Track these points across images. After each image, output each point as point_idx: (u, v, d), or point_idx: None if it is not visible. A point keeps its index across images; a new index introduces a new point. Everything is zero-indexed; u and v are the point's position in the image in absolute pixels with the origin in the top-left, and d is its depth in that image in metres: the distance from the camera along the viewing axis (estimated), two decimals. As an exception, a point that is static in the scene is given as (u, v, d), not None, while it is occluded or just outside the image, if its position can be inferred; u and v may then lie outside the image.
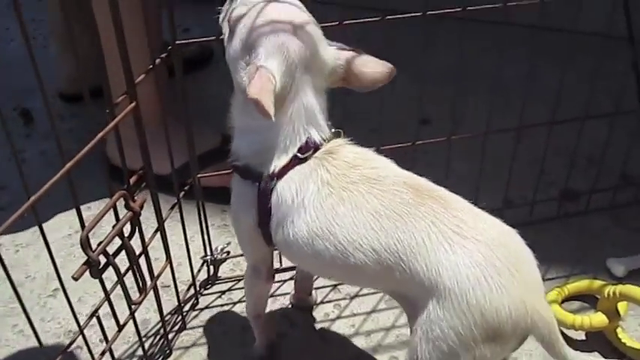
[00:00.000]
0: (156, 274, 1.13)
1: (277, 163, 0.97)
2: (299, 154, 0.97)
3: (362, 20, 1.13)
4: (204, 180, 1.49)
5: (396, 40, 1.21)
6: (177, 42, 1.11)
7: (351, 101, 1.09)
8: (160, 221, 1.13)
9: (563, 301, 1.33)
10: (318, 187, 0.95)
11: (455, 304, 0.87)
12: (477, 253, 0.88)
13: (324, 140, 0.99)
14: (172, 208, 1.22)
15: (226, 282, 1.39)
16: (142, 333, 1.27)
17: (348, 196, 0.94)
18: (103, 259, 0.95)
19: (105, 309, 1.03)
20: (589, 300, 1.34)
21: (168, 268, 1.20)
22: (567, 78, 1.34)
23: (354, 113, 1.20)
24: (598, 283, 1.31)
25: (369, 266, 0.92)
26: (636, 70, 1.87)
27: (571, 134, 1.41)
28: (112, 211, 0.97)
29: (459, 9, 1.15)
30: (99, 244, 0.93)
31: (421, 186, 0.95)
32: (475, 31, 2.00)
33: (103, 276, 0.95)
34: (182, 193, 1.25)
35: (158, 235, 1.14)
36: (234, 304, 1.35)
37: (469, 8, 1.15)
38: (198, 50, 1.97)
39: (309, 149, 0.97)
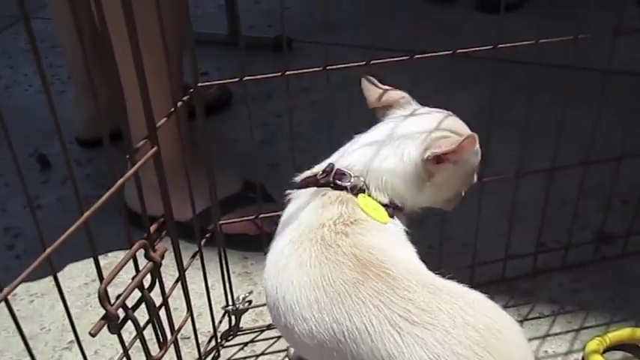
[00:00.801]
0: (177, 326, 1.07)
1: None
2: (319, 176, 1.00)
3: (390, 59, 1.10)
4: (225, 227, 1.45)
5: (422, 81, 1.18)
6: (199, 84, 1.08)
7: None
8: (181, 271, 1.08)
9: (604, 351, 1.25)
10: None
11: None
12: (431, 341, 0.76)
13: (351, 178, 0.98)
14: (194, 256, 1.17)
15: (248, 333, 1.33)
16: (162, 388, 1.22)
17: (301, 250, 0.91)
18: (122, 313, 0.90)
19: (123, 365, 0.97)
20: (632, 350, 1.26)
21: (188, 320, 1.14)
22: (600, 119, 1.29)
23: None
24: (641, 331, 1.24)
25: (307, 338, 0.85)
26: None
27: (603, 176, 1.36)
28: (131, 261, 0.92)
29: (489, 47, 1.11)
30: (117, 297, 0.88)
31: (371, 261, 0.86)
32: (503, 72, 1.97)
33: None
34: (203, 241, 1.20)
35: (178, 284, 1.09)
36: (257, 356, 1.28)
37: (500, 46, 1.11)
38: (216, 94, 1.95)
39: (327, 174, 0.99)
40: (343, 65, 1.09)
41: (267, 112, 1.94)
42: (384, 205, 0.99)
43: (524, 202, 1.37)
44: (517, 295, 1.37)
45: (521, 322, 1.33)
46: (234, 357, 1.29)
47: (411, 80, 1.08)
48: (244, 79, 1.08)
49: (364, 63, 1.09)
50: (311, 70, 1.10)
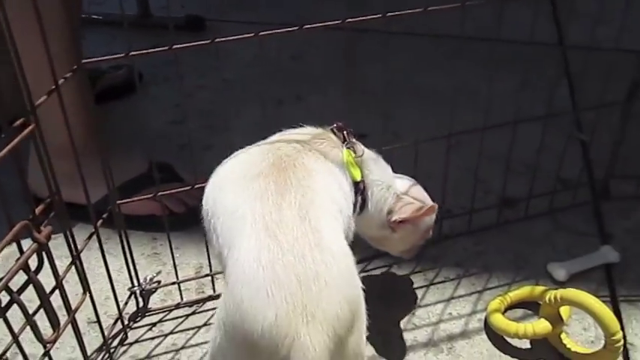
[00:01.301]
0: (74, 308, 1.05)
1: None
2: None
3: (278, 30, 1.09)
4: (132, 208, 1.43)
5: (336, 57, 1.19)
6: (85, 61, 1.05)
7: (285, 115, 1.05)
8: (75, 252, 1.06)
9: (505, 310, 1.29)
10: None
11: (226, 292, 0.83)
12: (266, 247, 0.83)
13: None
14: (90, 237, 1.15)
15: (157, 313, 1.32)
16: (67, 374, 1.20)
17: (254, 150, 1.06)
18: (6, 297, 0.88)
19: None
20: (532, 307, 1.31)
21: (95, 302, 1.12)
22: (502, 86, 1.33)
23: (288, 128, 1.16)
24: (539, 289, 1.28)
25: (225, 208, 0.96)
26: (568, 74, 1.88)
27: (507, 141, 1.39)
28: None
29: (379, 15, 1.12)
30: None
31: (293, 172, 0.96)
32: (407, 45, 2.00)
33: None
34: (100, 221, 1.18)
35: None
36: (166, 335, 1.28)
37: (389, 14, 1.12)
38: (125, 76, 1.91)
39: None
40: (231, 38, 1.08)
41: (178, 93, 1.92)
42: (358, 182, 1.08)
43: (429, 171, 1.40)
44: (423, 261, 1.40)
45: (427, 286, 1.36)
46: (142, 338, 1.28)
47: (325, 55, 1.09)
48: (130, 54, 1.06)
49: (252, 35, 1.08)
50: (199, 43, 1.08)
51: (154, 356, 1.24)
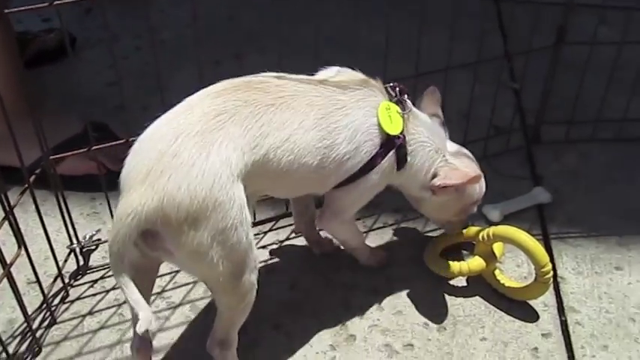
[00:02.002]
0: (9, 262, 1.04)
1: None
2: None
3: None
4: (68, 168, 1.41)
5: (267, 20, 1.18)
6: (7, 11, 1.03)
7: (222, 75, 1.05)
8: (9, 208, 1.05)
9: (443, 251, 1.33)
10: None
11: None
12: (163, 124, 0.95)
13: None
14: (22, 193, 1.14)
15: (98, 270, 1.32)
16: (9, 333, 1.19)
17: None
18: None
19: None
20: (468, 247, 1.35)
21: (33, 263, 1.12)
22: (435, 39, 1.35)
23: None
24: (474, 229, 1.32)
25: None
26: (500, 23, 1.92)
27: (440, 90, 1.42)
28: None
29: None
30: None
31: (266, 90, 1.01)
32: (342, 1, 2.01)
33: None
34: (33, 177, 1.17)
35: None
36: (108, 291, 1.28)
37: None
38: (57, 39, 1.87)
39: None
40: None
41: (114, 55, 1.88)
42: (395, 137, 1.10)
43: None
44: (362, 209, 1.42)
45: (366, 232, 1.39)
46: (84, 294, 1.28)
47: (262, 13, 1.08)
48: (55, 3, 1.04)
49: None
50: None
51: (96, 312, 1.24)
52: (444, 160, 1.17)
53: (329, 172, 1.07)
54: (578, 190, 1.51)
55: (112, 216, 1.29)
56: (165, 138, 0.92)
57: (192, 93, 1.03)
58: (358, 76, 1.13)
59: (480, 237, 1.25)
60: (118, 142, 1.23)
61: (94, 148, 1.21)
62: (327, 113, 1.04)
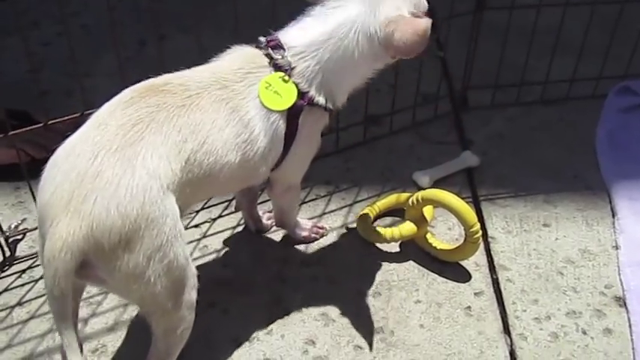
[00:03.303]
0: None
1: None
2: None
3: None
4: (-10, 158, 1.37)
5: None
6: None
7: (148, 56, 1.01)
8: None
9: (375, 219, 1.34)
10: None
11: None
12: (79, 142, 0.89)
13: None
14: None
15: (26, 260, 1.28)
16: None
17: None
18: None
19: None
20: (399, 213, 1.36)
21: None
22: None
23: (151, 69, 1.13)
24: (404, 195, 1.34)
25: None
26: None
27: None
28: None
29: None
30: None
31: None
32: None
33: None
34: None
35: None
36: (36, 281, 1.24)
37: None
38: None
39: None
40: None
41: (35, 42, 1.83)
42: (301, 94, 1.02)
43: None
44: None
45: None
46: (12, 285, 1.24)
47: None
48: None
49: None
50: None
51: (25, 302, 1.21)
52: (372, 26, 1.01)
53: (255, 164, 1.02)
54: (505, 152, 1.54)
55: (36, 204, 1.26)
56: (83, 157, 0.86)
57: (117, 75, 1.00)
58: (245, 51, 1.05)
59: (410, 202, 1.26)
60: (36, 126, 1.19)
61: (11, 133, 1.18)
62: (234, 107, 0.98)
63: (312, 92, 1.03)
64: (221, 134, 0.96)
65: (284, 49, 1.02)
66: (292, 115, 1.02)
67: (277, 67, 1.01)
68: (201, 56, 1.07)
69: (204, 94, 0.96)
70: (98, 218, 0.82)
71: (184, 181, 0.91)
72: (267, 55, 1.02)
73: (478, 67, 1.60)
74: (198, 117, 0.94)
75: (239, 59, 1.03)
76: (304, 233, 1.31)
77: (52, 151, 1.38)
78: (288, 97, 1.01)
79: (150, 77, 0.99)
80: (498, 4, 1.53)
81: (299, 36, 1.04)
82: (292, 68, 1.01)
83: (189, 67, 1.04)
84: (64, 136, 1.37)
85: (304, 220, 1.32)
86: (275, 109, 1.00)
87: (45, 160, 1.41)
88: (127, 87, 0.97)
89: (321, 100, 1.04)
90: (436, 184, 1.43)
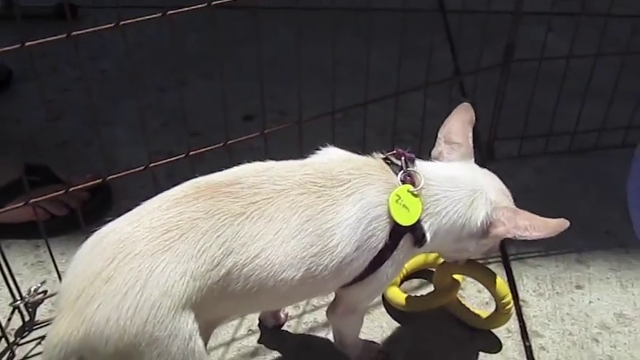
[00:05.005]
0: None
1: None
2: None
3: (142, 18, 1.03)
4: (9, 216, 1.35)
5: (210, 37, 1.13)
6: None
7: (168, 102, 0.99)
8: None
9: (402, 282, 1.30)
10: None
11: None
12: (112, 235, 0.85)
13: None
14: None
15: (46, 325, 1.25)
16: (-48, 401, 1.13)
17: None
18: None
19: None
20: (426, 274, 1.32)
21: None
22: (384, 56, 1.32)
23: (172, 117, 1.10)
24: (432, 255, 1.30)
25: None
26: (449, 38, 1.90)
27: (392, 111, 1.40)
28: None
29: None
30: None
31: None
32: (287, 21, 1.97)
33: None
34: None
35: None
36: (57, 348, 1.21)
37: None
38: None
39: None
40: (140, 19, 1.01)
41: (53, 88, 1.81)
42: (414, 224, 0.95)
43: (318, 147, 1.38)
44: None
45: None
46: (31, 353, 1.21)
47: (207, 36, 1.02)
48: (26, 44, 0.97)
49: (114, 25, 1.02)
50: (103, 27, 1.00)
51: (45, 371, 1.18)
52: (488, 204, 1.01)
53: (323, 280, 0.92)
54: (534, 206, 1.48)
55: (54, 264, 1.23)
56: (103, 255, 0.82)
57: (138, 124, 0.96)
58: (349, 157, 1.00)
59: (437, 274, 1.22)
60: (57, 193, 1.17)
61: (34, 200, 1.15)
62: (314, 214, 0.89)
63: (423, 221, 0.96)
64: (284, 247, 0.87)
65: (416, 167, 0.98)
66: (397, 233, 0.95)
67: (406, 180, 0.96)
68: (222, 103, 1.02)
69: (276, 200, 0.88)
70: (97, 325, 0.79)
71: (217, 297, 0.85)
72: (391, 164, 0.98)
73: (504, 114, 1.57)
74: (259, 226, 0.86)
75: (354, 162, 0.98)
76: (364, 358, 1.17)
77: (72, 209, 1.38)
78: (414, 213, 0.94)
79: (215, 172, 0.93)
80: (526, 55, 1.50)
81: (434, 168, 1.02)
82: (422, 188, 0.96)
83: (209, 113, 1.00)
84: (85, 193, 1.34)
85: (366, 343, 1.19)
86: (403, 224, 0.93)
87: (64, 218, 1.41)
88: (145, 137, 0.91)
89: (427, 234, 0.97)
90: (464, 241, 1.39)
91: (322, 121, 1.31)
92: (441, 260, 1.22)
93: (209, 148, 1.21)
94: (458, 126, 1.09)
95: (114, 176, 1.18)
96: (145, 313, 0.79)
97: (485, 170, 1.09)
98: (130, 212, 0.87)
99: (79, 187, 1.19)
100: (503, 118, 1.57)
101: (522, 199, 1.50)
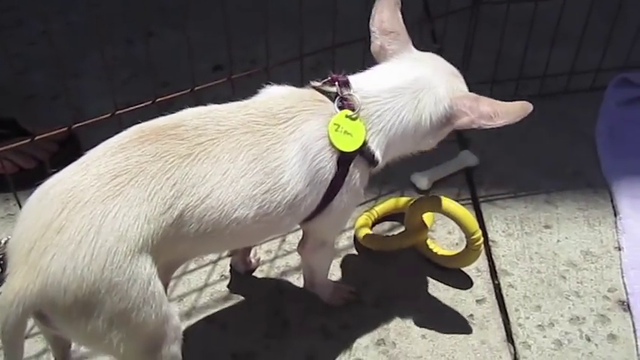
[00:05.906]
0: None
1: None
2: None
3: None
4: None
5: None
6: None
7: (136, 54, 0.97)
8: None
9: (373, 225, 1.31)
10: None
11: None
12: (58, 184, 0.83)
13: None
14: None
15: (18, 276, 1.25)
16: None
17: None
18: None
19: None
20: (398, 217, 1.33)
21: None
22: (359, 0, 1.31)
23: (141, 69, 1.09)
24: (403, 199, 1.31)
25: None
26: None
27: (360, 59, 1.39)
28: None
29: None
30: None
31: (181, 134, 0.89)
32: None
33: None
34: None
35: None
36: (29, 298, 1.21)
37: None
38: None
39: None
40: None
41: (19, 41, 1.78)
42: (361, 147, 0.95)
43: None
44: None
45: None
46: (3, 304, 1.21)
47: None
48: None
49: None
50: None
51: (18, 321, 1.18)
52: (437, 100, 0.99)
53: (278, 216, 0.92)
54: (504, 150, 1.51)
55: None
56: (52, 206, 0.80)
57: (106, 76, 0.94)
58: (287, 93, 0.99)
59: (408, 210, 1.23)
60: (23, 142, 1.16)
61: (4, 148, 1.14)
62: (260, 152, 0.89)
63: (370, 141, 0.96)
64: (233, 186, 0.87)
65: (351, 89, 0.96)
66: (344, 160, 0.95)
67: (343, 105, 0.95)
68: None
69: (221, 140, 0.88)
70: (53, 276, 0.77)
71: (173, 239, 0.84)
72: (326, 93, 0.96)
73: (475, 60, 1.57)
74: (206, 167, 0.86)
75: (291, 97, 0.96)
76: (334, 299, 1.20)
77: (40, 162, 1.37)
78: (358, 137, 0.94)
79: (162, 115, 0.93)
80: (495, -5, 1.49)
81: (370, 82, 0.98)
82: (360, 109, 0.95)
83: (178, 64, 0.98)
84: (53, 145, 1.33)
85: (336, 283, 1.21)
86: (347, 151, 0.93)
87: (33, 170, 1.40)
88: (114, 89, 0.88)
89: (377, 153, 0.96)
90: (435, 185, 1.41)
91: (292, 67, 1.30)
92: (410, 204, 1.23)
93: (175, 94, 1.21)
94: (387, 13, 1.05)
95: (79, 124, 1.17)
96: (101, 260, 0.78)
97: (426, 56, 1.07)
98: (75, 162, 0.85)
99: (44, 135, 1.18)
100: (473, 63, 1.56)
101: (493, 144, 1.52)
